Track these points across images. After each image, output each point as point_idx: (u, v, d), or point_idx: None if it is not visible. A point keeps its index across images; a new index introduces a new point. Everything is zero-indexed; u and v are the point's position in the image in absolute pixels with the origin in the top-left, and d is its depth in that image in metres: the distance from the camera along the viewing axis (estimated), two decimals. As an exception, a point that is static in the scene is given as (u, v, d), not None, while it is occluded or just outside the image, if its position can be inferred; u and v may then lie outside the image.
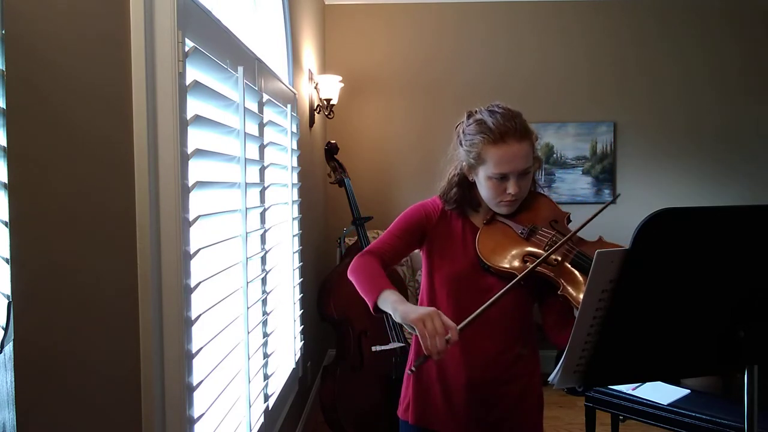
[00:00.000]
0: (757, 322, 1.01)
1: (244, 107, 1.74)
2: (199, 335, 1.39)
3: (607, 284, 0.96)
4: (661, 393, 2.46)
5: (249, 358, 1.80)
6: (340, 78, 3.90)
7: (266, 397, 2.12)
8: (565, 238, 1.39)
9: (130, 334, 1.17)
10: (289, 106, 2.59)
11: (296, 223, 2.72)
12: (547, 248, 1.44)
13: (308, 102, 3.63)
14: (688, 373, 1.21)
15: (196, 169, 1.41)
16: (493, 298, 1.29)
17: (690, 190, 4.35)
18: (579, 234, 1.43)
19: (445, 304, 1.54)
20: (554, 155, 4.39)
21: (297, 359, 2.75)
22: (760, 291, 1.01)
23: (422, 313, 1.25)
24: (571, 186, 4.39)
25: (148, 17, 1.20)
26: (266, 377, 2.12)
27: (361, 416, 3.07)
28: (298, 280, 2.72)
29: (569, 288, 1.38)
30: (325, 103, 3.87)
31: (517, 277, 1.34)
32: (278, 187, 2.38)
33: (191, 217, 1.35)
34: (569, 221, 1.55)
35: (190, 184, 1.34)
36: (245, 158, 1.74)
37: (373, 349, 2.75)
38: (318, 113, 3.80)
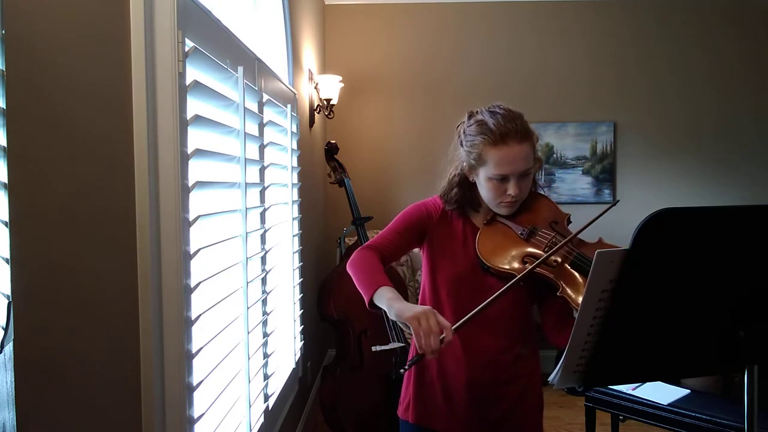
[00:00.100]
0: (757, 322, 1.01)
1: (244, 107, 1.74)
2: (199, 335, 1.39)
3: (607, 284, 0.96)
4: (661, 393, 2.46)
5: (249, 358, 1.80)
6: (340, 78, 3.90)
7: (266, 397, 2.12)
8: (565, 240, 1.40)
9: (130, 334, 1.17)
10: (289, 106, 2.59)
11: (296, 223, 2.72)
12: (546, 249, 1.44)
13: (308, 102, 3.63)
14: (688, 373, 1.21)
15: (196, 169, 1.41)
16: (489, 299, 1.30)
17: (690, 190, 4.35)
18: (579, 236, 1.43)
19: (445, 303, 1.54)
20: (554, 155, 4.39)
21: (297, 359, 2.75)
22: (760, 291, 1.01)
23: (417, 312, 1.25)
24: (571, 186, 4.39)
25: (148, 17, 1.20)
26: (266, 377, 2.12)
27: (361, 416, 3.07)
28: (298, 280, 2.73)
29: (568, 289, 1.38)
30: (325, 103, 3.87)
31: (516, 278, 1.34)
32: (278, 187, 2.38)
33: (191, 217, 1.35)
34: (569, 222, 1.55)
35: (190, 184, 1.34)
36: (245, 158, 1.74)
37: (373, 349, 2.74)
38: (318, 113, 3.80)
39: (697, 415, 2.28)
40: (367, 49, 4.40)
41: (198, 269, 1.40)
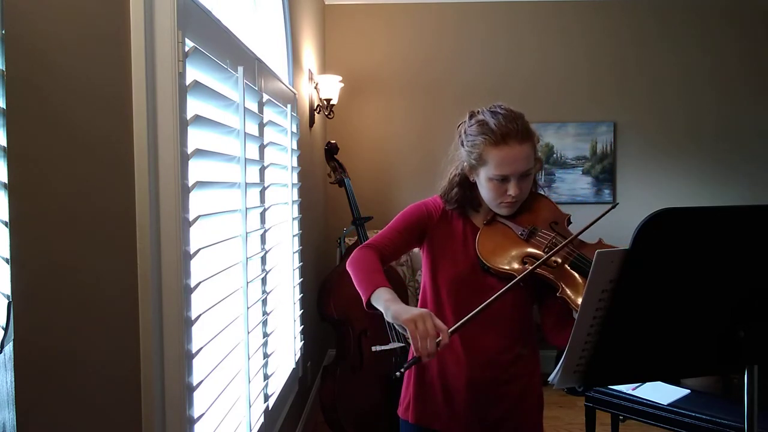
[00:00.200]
0: (757, 322, 1.01)
1: (244, 107, 1.74)
2: (199, 335, 1.39)
3: (607, 284, 0.96)
4: (661, 393, 2.46)
5: (249, 358, 1.80)
6: (340, 78, 3.90)
7: (266, 397, 2.12)
8: (566, 241, 1.40)
9: (130, 334, 1.17)
10: (289, 106, 2.59)
11: (296, 223, 2.72)
12: (546, 250, 1.44)
13: (308, 102, 3.63)
14: (688, 373, 1.21)
15: (196, 169, 1.41)
16: (488, 301, 1.30)
17: (690, 190, 4.35)
18: (579, 236, 1.43)
19: (445, 303, 1.54)
20: (554, 155, 4.39)
21: (297, 359, 2.75)
22: (760, 291, 1.01)
23: (414, 314, 1.25)
24: (571, 186, 4.39)
25: (148, 17, 1.20)
26: (266, 377, 2.12)
27: (361, 416, 3.07)
28: (298, 280, 2.72)
29: (568, 290, 1.38)
30: (325, 103, 3.87)
31: (516, 279, 1.34)
32: (278, 187, 2.38)
33: (191, 217, 1.35)
34: (569, 223, 1.55)
35: (190, 184, 1.34)
36: (245, 158, 1.74)
37: (373, 349, 2.75)
38: (318, 113, 3.80)
39: (697, 415, 2.28)
40: (367, 49, 4.41)
41: (198, 269, 1.40)
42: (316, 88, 3.82)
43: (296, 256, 2.70)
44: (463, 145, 1.51)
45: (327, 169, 3.66)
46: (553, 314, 1.50)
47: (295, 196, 2.71)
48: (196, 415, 1.35)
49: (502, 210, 1.51)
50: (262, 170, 2.03)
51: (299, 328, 2.77)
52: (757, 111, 4.32)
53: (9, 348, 0.66)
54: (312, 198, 3.58)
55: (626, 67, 4.35)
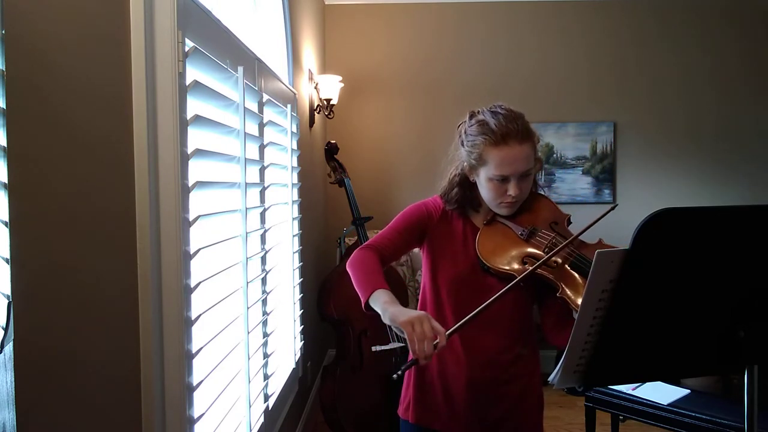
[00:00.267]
0: (757, 322, 1.01)
1: (244, 107, 1.74)
2: (199, 335, 1.39)
3: (607, 284, 0.96)
4: (661, 393, 2.46)
5: (249, 358, 1.80)
6: (340, 78, 3.90)
7: (266, 397, 2.12)
8: (566, 242, 1.40)
9: (130, 334, 1.17)
10: (289, 106, 2.59)
11: (296, 223, 2.72)
12: (546, 250, 1.44)
13: (308, 102, 3.63)
14: (688, 373, 1.21)
15: (196, 169, 1.41)
16: (486, 303, 1.29)
17: (690, 190, 4.35)
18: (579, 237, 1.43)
19: (445, 303, 1.54)
20: (554, 155, 4.39)
21: (297, 359, 2.75)
22: (760, 291, 1.01)
23: (411, 317, 1.25)
24: (571, 186, 4.39)
25: (148, 17, 1.20)
26: (266, 377, 2.12)
27: (361, 416, 3.07)
28: (298, 280, 2.73)
29: (568, 291, 1.38)
30: (325, 103, 3.87)
31: (516, 279, 1.34)
32: (278, 187, 2.38)
33: (191, 217, 1.35)
34: (569, 223, 1.55)
35: (190, 184, 1.34)
36: (245, 158, 1.74)
37: (373, 349, 2.74)
38: (318, 113, 3.80)
39: (697, 415, 2.28)
40: (367, 49, 4.41)
41: (198, 269, 1.40)
42: (316, 88, 3.82)
43: (296, 256, 2.70)
44: (463, 145, 1.51)
45: (327, 169, 3.66)
46: (553, 314, 1.50)
47: (295, 196, 2.71)
48: (196, 415, 1.35)
49: (502, 210, 1.51)
50: (262, 170, 2.03)
51: (299, 328, 2.77)
52: (757, 111, 4.32)
53: (9, 348, 0.66)
54: (312, 198, 3.58)
55: (626, 67, 4.35)
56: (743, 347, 1.02)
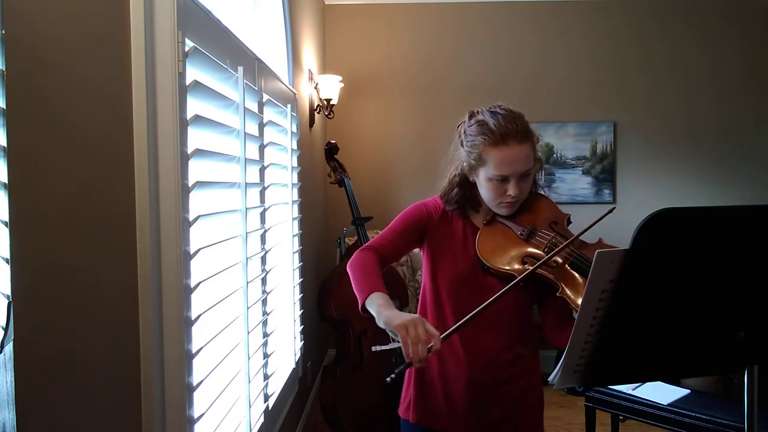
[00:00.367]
0: (757, 322, 1.01)
1: (244, 107, 1.74)
2: (199, 335, 1.39)
3: (607, 284, 0.96)
4: (661, 393, 2.46)
5: (249, 358, 1.80)
6: (340, 78, 3.90)
7: (266, 397, 2.12)
8: (567, 242, 1.40)
9: (130, 334, 1.17)
10: (289, 106, 2.59)
11: (296, 223, 2.72)
12: (546, 250, 1.44)
13: (308, 102, 3.63)
14: (688, 373, 1.21)
15: (196, 169, 1.41)
16: (482, 306, 1.29)
17: (690, 190, 4.35)
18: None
19: (445, 303, 1.54)
20: (554, 155, 4.39)
21: (297, 359, 2.75)
22: (760, 291, 1.01)
23: (405, 320, 1.25)
24: (571, 186, 4.39)
25: (148, 17, 1.20)
26: (266, 377, 2.12)
27: (361, 416, 3.07)
28: (298, 280, 2.73)
29: (568, 290, 1.38)
30: (325, 103, 3.87)
31: (516, 280, 1.34)
32: (278, 187, 2.38)
33: (191, 217, 1.35)
34: (569, 223, 1.55)
35: (190, 184, 1.34)
36: (245, 158, 1.74)
37: (373, 349, 2.73)
38: (318, 113, 3.80)
39: (697, 415, 2.28)
40: (367, 49, 4.41)
41: (198, 269, 1.40)
42: (316, 88, 3.82)
43: (296, 256, 2.70)
44: (462, 145, 1.51)
45: (327, 169, 3.66)
46: (552, 314, 1.50)
47: (295, 196, 2.71)
48: (196, 415, 1.35)
49: (501, 210, 1.51)
50: (262, 170, 2.03)
51: (299, 328, 2.77)
52: (757, 111, 4.32)
53: (9, 348, 0.66)
54: (312, 198, 3.58)
55: (626, 67, 4.35)
56: (743, 347, 1.02)
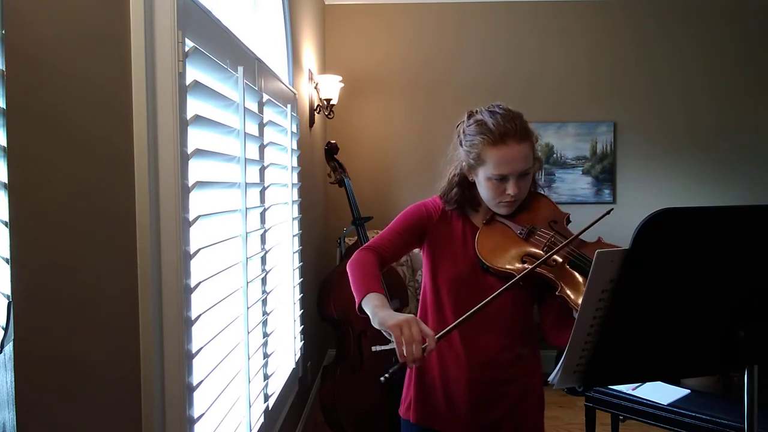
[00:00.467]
0: (757, 322, 1.01)
1: (244, 107, 1.74)
2: (199, 335, 1.39)
3: (607, 284, 0.96)
4: (661, 393, 2.46)
5: (249, 358, 1.80)
6: (340, 78, 3.90)
7: (266, 397, 2.12)
8: (566, 241, 1.39)
9: (130, 334, 1.17)
10: (289, 106, 2.59)
11: (296, 223, 2.72)
12: (546, 249, 1.44)
13: (308, 102, 3.63)
14: (688, 373, 1.21)
15: (196, 169, 1.41)
16: (478, 306, 1.29)
17: (690, 190, 4.35)
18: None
19: (445, 303, 1.54)
20: (554, 155, 4.39)
21: (297, 359, 2.75)
22: (760, 291, 1.01)
23: (399, 320, 1.25)
24: (571, 186, 4.39)
25: (148, 17, 1.20)
26: (266, 377, 2.12)
27: (361, 416, 3.07)
28: (298, 280, 2.73)
29: (567, 289, 1.38)
30: (325, 103, 3.87)
31: (515, 278, 1.34)
32: (278, 187, 2.38)
33: (191, 217, 1.35)
34: (569, 222, 1.55)
35: (190, 184, 1.34)
36: (245, 158, 1.74)
37: (373, 349, 2.73)
38: (318, 113, 3.80)
39: (697, 415, 2.28)
40: (367, 49, 4.40)
41: (198, 269, 1.40)
42: (316, 88, 3.82)
43: (296, 256, 2.70)
44: (461, 145, 1.51)
45: (327, 169, 3.66)
46: (552, 314, 1.50)
47: (295, 196, 2.71)
48: (196, 415, 1.35)
49: (501, 209, 1.51)
50: (262, 170, 2.03)
51: (299, 328, 2.77)
52: (757, 111, 4.32)
53: (9, 348, 0.66)
54: (312, 198, 3.58)
55: (626, 67, 4.35)
56: (743, 347, 1.02)
